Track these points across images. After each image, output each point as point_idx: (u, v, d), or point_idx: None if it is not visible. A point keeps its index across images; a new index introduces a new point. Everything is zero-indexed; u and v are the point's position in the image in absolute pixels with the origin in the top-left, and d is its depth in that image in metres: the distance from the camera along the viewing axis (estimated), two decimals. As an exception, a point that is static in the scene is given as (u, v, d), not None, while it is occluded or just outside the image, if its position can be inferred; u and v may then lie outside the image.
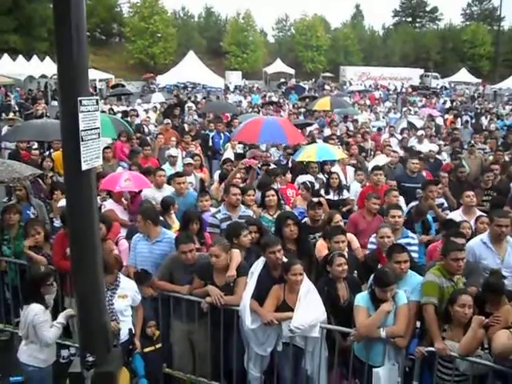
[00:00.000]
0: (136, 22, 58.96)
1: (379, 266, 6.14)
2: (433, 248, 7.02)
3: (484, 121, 23.73)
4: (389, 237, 6.62)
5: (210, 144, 15.09)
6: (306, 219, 7.75)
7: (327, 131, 16.59)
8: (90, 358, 3.93)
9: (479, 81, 59.71)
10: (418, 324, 5.67)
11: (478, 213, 7.94)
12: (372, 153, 13.77)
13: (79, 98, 3.53)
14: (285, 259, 5.88)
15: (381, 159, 11.64)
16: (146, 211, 6.85)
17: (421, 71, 63.95)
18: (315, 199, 7.96)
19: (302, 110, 24.14)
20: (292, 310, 5.50)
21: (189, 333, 6.14)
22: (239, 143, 13.27)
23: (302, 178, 9.78)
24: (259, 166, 10.43)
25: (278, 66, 60.20)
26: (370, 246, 7.14)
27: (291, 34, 73.46)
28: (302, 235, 6.90)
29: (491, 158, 12.49)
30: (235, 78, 55.98)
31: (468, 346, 4.96)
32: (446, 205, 8.89)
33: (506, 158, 12.46)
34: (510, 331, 4.85)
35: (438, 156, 12.74)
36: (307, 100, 27.41)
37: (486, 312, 5.36)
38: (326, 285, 5.83)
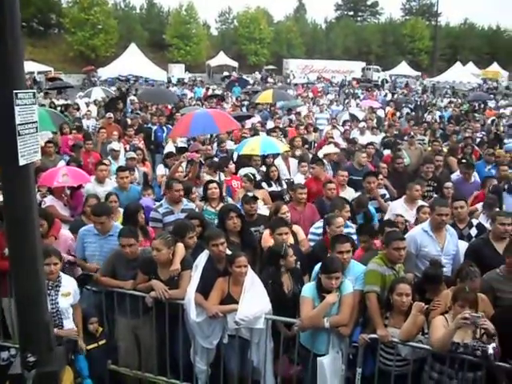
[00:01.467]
0: (75, 13, 57.30)
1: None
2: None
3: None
4: (343, 226, 6.73)
5: (153, 138, 14.92)
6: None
7: (270, 124, 16.66)
8: (31, 358, 3.80)
9: (419, 74, 61.14)
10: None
11: (420, 202, 8.13)
12: (315, 145, 13.90)
13: (15, 91, 3.39)
14: (229, 252, 5.88)
15: (329, 149, 11.75)
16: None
17: (363, 64, 64.94)
18: (250, 193, 7.97)
19: (246, 102, 24.16)
20: (237, 302, 5.52)
21: (134, 328, 6.08)
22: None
23: (244, 171, 9.78)
24: (202, 159, 10.39)
25: (222, 58, 59.91)
26: (311, 236, 7.23)
27: (234, 26, 73.17)
28: (245, 227, 6.93)
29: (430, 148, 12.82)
30: (178, 70, 55.32)
31: (409, 331, 5.13)
32: (388, 196, 9.06)
33: (444, 149, 12.81)
34: (446, 317, 5.02)
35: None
36: (251, 93, 27.48)
37: (426, 298, 5.54)
38: (272, 276, 5.86)
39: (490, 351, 4.73)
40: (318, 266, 5.69)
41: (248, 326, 5.55)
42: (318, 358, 5.35)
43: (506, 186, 9.26)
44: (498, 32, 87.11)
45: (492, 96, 35.27)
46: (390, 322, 5.34)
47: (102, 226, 6.55)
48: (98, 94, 25.19)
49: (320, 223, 7.19)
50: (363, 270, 5.76)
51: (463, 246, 6.89)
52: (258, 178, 9.74)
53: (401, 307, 5.23)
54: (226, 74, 54.26)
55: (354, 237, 7.16)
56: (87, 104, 21.75)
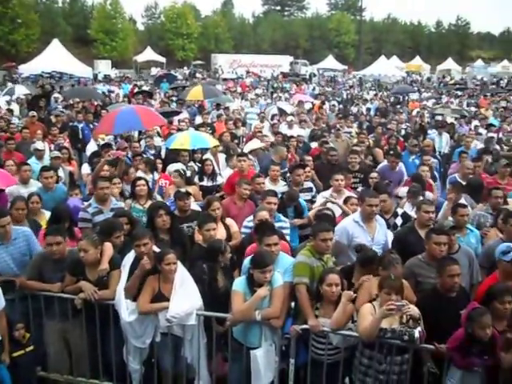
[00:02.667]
0: (-7, 7, 55.02)
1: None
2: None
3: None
4: (266, 220, 6.73)
5: (80, 136, 14.55)
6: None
7: (198, 119, 16.56)
8: None
9: (345, 67, 62.38)
10: (293, 304, 5.82)
11: (347, 193, 8.28)
12: (244, 139, 13.93)
13: None
14: (158, 249, 5.82)
15: (254, 144, 11.79)
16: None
17: (290, 58, 65.57)
18: (182, 189, 7.92)
19: (174, 98, 23.94)
20: (168, 300, 5.48)
21: (63, 332, 5.94)
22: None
23: (172, 167, 9.69)
24: (130, 156, 10.24)
25: (149, 54, 59.03)
26: (244, 230, 7.26)
27: (161, 21, 72.32)
28: (175, 225, 6.89)
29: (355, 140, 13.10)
30: (104, 67, 54.02)
31: (339, 320, 5.23)
32: (314, 189, 9.14)
33: (370, 141, 13.14)
34: (373, 304, 5.16)
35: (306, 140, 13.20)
36: (179, 88, 27.25)
37: (353, 284, 5.67)
38: (208, 272, 5.86)
39: (417, 335, 4.91)
40: (247, 260, 5.72)
41: (180, 323, 5.53)
42: (251, 351, 5.39)
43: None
44: (420, 27, 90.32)
45: (415, 88, 36.40)
46: (320, 312, 5.41)
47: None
48: (20, 91, 24.32)
49: (252, 217, 7.19)
50: (292, 262, 5.82)
51: (390, 235, 7.10)
52: (188, 173, 9.66)
53: (330, 297, 5.31)
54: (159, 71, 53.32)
55: (288, 231, 7.29)
56: (8, 102, 20.92)
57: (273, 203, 7.26)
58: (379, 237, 6.80)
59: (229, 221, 7.25)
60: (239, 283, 5.53)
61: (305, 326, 5.35)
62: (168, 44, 66.76)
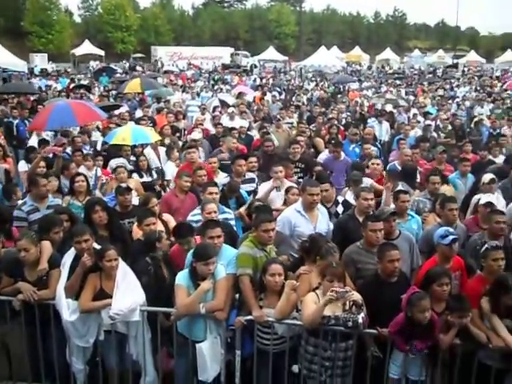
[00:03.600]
0: None
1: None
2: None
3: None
4: (215, 212, 6.70)
5: (15, 132, 14.15)
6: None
7: (139, 113, 16.34)
8: None
9: (286, 58, 62.67)
10: (237, 295, 5.83)
11: (288, 183, 8.30)
12: (185, 132, 13.81)
13: None
14: (98, 246, 5.70)
15: (195, 136, 11.72)
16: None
17: (231, 50, 65.42)
18: (123, 184, 7.80)
19: (113, 92, 23.50)
20: (111, 297, 5.39)
21: (1, 335, 5.78)
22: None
23: (114, 162, 9.51)
24: (69, 152, 10.01)
25: (87, 47, 57.55)
26: (189, 223, 7.19)
27: (98, 13, 70.76)
28: (114, 220, 6.79)
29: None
30: (40, 60, 52.29)
31: (283, 310, 5.26)
32: (257, 179, 9.15)
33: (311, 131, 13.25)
34: (316, 293, 5.22)
35: (249, 132, 13.19)
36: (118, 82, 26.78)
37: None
38: (150, 263, 5.81)
39: (360, 321, 5.00)
40: (190, 254, 5.67)
41: (124, 320, 5.45)
42: (197, 345, 5.36)
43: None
44: (359, 18, 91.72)
45: (355, 78, 36.93)
46: (264, 302, 5.43)
47: None
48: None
49: (197, 210, 7.13)
50: (235, 254, 5.82)
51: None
52: (130, 168, 9.52)
53: (274, 287, 5.34)
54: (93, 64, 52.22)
55: (233, 222, 7.29)
56: None
57: (214, 193, 7.26)
58: (321, 225, 6.87)
59: (166, 216, 7.19)
60: (182, 277, 5.48)
61: (249, 317, 5.37)
62: (107, 37, 65.44)
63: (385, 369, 5.30)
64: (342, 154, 10.53)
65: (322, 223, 6.93)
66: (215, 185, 7.51)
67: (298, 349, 5.44)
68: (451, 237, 5.79)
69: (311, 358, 5.29)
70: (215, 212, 6.69)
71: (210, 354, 5.38)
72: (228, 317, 5.55)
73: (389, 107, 19.53)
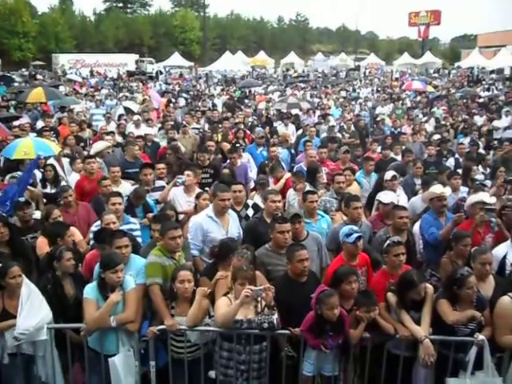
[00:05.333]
0: None
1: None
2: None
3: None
4: (114, 223, 6.61)
5: None
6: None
7: (40, 123, 15.72)
8: None
9: (192, 64, 62.48)
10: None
11: (198, 190, 8.31)
12: (90, 142, 13.44)
13: None
14: (-1, 264, 5.45)
15: (100, 146, 11.42)
16: None
17: (136, 57, 64.45)
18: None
19: (13, 102, 22.51)
20: (14, 317, 5.14)
21: None
22: None
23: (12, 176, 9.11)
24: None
25: (-18, 55, 54.99)
26: (92, 235, 7.00)
27: (-8, 19, 67.48)
28: (15, 236, 6.52)
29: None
30: None
31: (195, 317, 5.25)
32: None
33: (219, 136, 13.30)
34: (229, 297, 5.24)
35: (155, 139, 13.06)
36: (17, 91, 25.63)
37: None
38: (50, 283, 5.61)
39: (275, 322, 5.07)
40: (97, 266, 5.54)
41: (30, 340, 5.21)
42: (109, 359, 5.24)
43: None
44: (263, 23, 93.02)
45: (261, 82, 37.38)
46: (176, 310, 5.40)
47: None
48: None
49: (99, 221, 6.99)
50: (144, 264, 5.74)
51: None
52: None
53: (184, 294, 5.32)
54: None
55: (138, 232, 7.18)
56: None
57: (117, 203, 7.13)
58: (233, 230, 6.93)
59: (72, 229, 6.94)
60: (90, 290, 5.35)
61: (162, 327, 5.31)
62: (3, 43, 62.40)
63: (300, 367, 5.37)
64: (246, 156, 10.60)
65: (234, 227, 6.98)
66: (118, 195, 7.36)
67: (213, 355, 5.42)
68: (356, 235, 5.96)
69: (226, 363, 5.30)
70: (114, 223, 6.61)
71: (123, 367, 5.26)
72: (140, 328, 5.46)
73: (294, 110, 19.91)
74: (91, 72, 52.49)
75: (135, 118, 15.24)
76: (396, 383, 5.40)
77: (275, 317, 5.09)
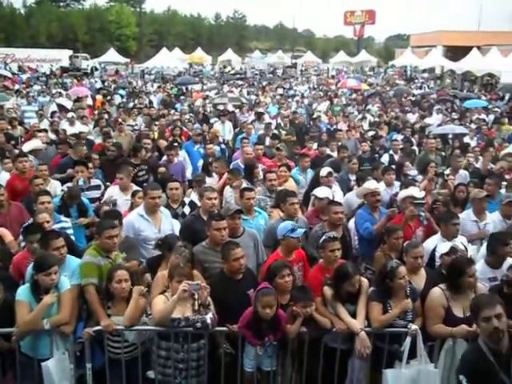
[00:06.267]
0: None
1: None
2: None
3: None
4: (48, 221, 6.49)
5: None
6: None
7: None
8: None
9: (128, 60, 61.46)
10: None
11: (135, 187, 8.23)
12: (22, 140, 13.03)
13: None
14: None
15: (32, 144, 11.11)
16: None
17: (70, 52, 62.74)
18: None
19: None
20: None
21: None
22: None
23: None
24: None
25: None
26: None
27: None
28: None
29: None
30: None
31: (132, 316, 5.20)
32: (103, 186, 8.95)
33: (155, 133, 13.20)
34: (165, 295, 5.20)
35: (89, 137, 12.80)
36: None
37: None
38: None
39: (208, 321, 5.06)
40: (30, 267, 5.39)
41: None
42: (42, 364, 5.10)
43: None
44: (200, 19, 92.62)
45: (197, 79, 37.19)
46: (112, 310, 5.33)
47: None
48: None
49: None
50: (78, 264, 5.63)
51: (176, 224, 7.20)
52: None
53: (121, 294, 5.26)
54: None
55: (70, 231, 7.02)
56: None
57: (46, 202, 6.97)
58: (165, 227, 6.89)
59: (1, 230, 6.77)
60: (22, 292, 5.20)
61: (98, 328, 5.22)
62: None
63: (238, 364, 5.39)
64: (182, 154, 10.56)
65: (166, 224, 6.95)
66: (47, 194, 7.21)
67: (150, 354, 5.37)
68: (302, 230, 6.10)
69: (164, 362, 5.26)
70: (48, 222, 6.48)
71: (57, 371, 5.13)
72: (75, 330, 5.35)
73: (230, 107, 19.95)
74: (19, 67, 50.53)
75: (69, 115, 14.86)
76: (333, 376, 5.49)
77: (209, 316, 5.08)
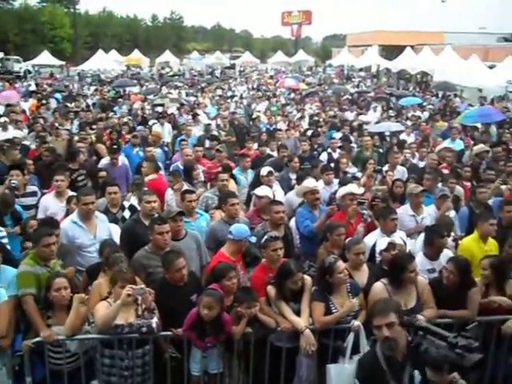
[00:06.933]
0: None
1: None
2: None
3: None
4: None
5: None
6: None
7: None
8: None
9: (63, 63, 60.07)
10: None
11: (70, 193, 8.03)
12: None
13: None
14: None
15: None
16: None
17: (1, 54, 60.78)
18: None
19: None
20: None
21: None
22: None
23: None
24: None
25: None
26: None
27: None
28: None
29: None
30: None
31: (73, 325, 5.09)
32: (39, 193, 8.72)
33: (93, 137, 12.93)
34: (108, 301, 5.11)
35: (25, 142, 12.45)
36: None
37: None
38: None
39: (154, 325, 5.01)
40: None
41: None
42: (-26, 383, 4.93)
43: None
44: (136, 21, 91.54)
45: (136, 81, 36.69)
46: (53, 320, 5.20)
47: None
48: None
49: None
50: (15, 274, 5.46)
51: (115, 228, 7.13)
52: None
53: (61, 302, 5.14)
54: None
55: (5, 240, 6.80)
56: None
57: None
58: (102, 233, 6.80)
59: None
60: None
61: (38, 339, 5.08)
62: None
63: (185, 368, 5.35)
64: (122, 158, 10.44)
65: (102, 230, 6.86)
66: None
67: (94, 363, 5.26)
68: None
69: (109, 371, 5.15)
70: None
71: (-7, 388, 4.97)
72: (13, 343, 5.20)
73: (171, 109, 19.80)
74: None
75: (2, 120, 14.35)
76: (280, 375, 5.52)
77: (154, 320, 5.04)
